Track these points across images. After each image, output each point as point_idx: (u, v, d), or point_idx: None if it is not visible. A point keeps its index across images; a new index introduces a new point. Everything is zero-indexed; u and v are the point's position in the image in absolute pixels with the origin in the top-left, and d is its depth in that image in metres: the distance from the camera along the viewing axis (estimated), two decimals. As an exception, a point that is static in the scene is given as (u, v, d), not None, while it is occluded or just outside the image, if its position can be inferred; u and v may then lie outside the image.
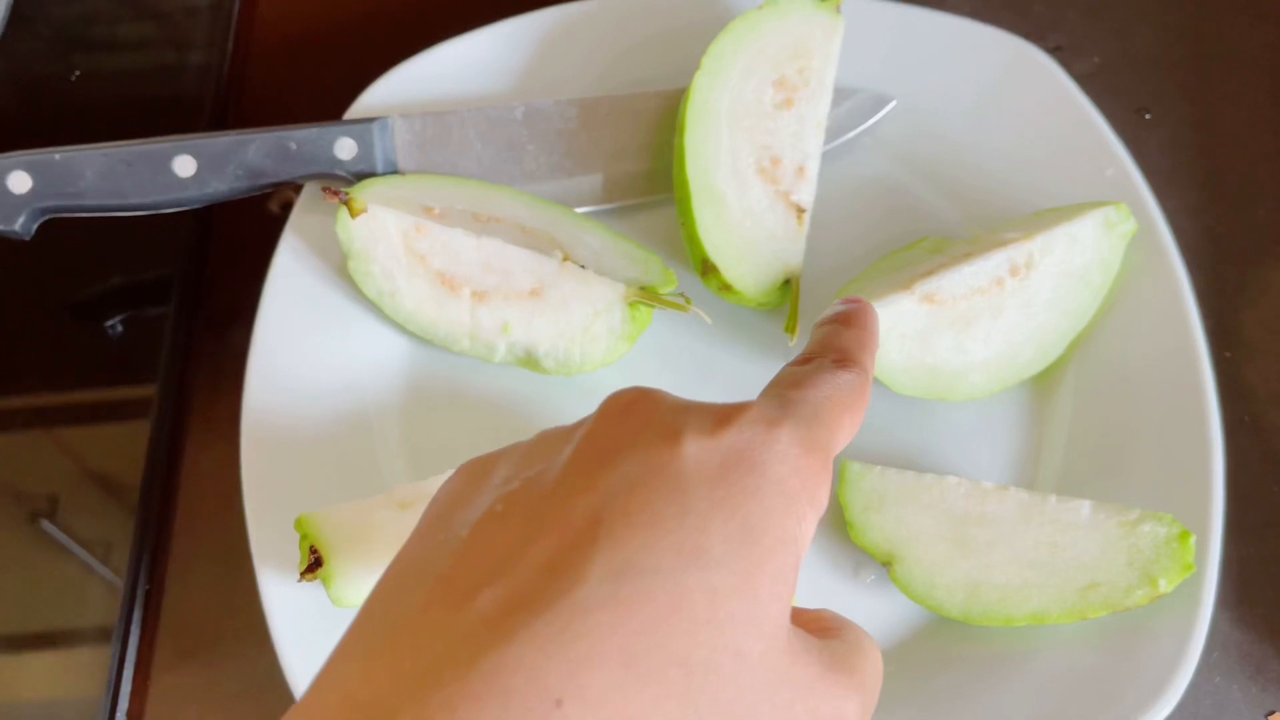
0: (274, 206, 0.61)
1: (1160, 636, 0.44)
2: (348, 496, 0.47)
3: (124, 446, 0.56)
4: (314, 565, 0.44)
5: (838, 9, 0.54)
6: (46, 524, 0.54)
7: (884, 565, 0.47)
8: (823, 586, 0.49)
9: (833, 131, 0.56)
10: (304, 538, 0.45)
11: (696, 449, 0.29)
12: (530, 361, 0.52)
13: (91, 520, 0.54)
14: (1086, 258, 0.50)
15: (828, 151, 0.55)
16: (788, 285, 0.52)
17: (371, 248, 0.52)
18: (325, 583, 0.45)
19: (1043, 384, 0.52)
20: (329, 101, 0.58)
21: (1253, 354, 0.55)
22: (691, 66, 0.53)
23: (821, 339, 0.38)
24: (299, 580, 0.45)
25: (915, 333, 0.49)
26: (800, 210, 0.53)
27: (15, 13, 0.69)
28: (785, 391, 0.33)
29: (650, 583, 0.26)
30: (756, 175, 0.53)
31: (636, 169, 0.56)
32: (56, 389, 0.58)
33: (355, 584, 0.45)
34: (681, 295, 0.51)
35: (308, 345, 0.53)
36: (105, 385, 0.58)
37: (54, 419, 0.57)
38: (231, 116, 0.66)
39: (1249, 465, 0.52)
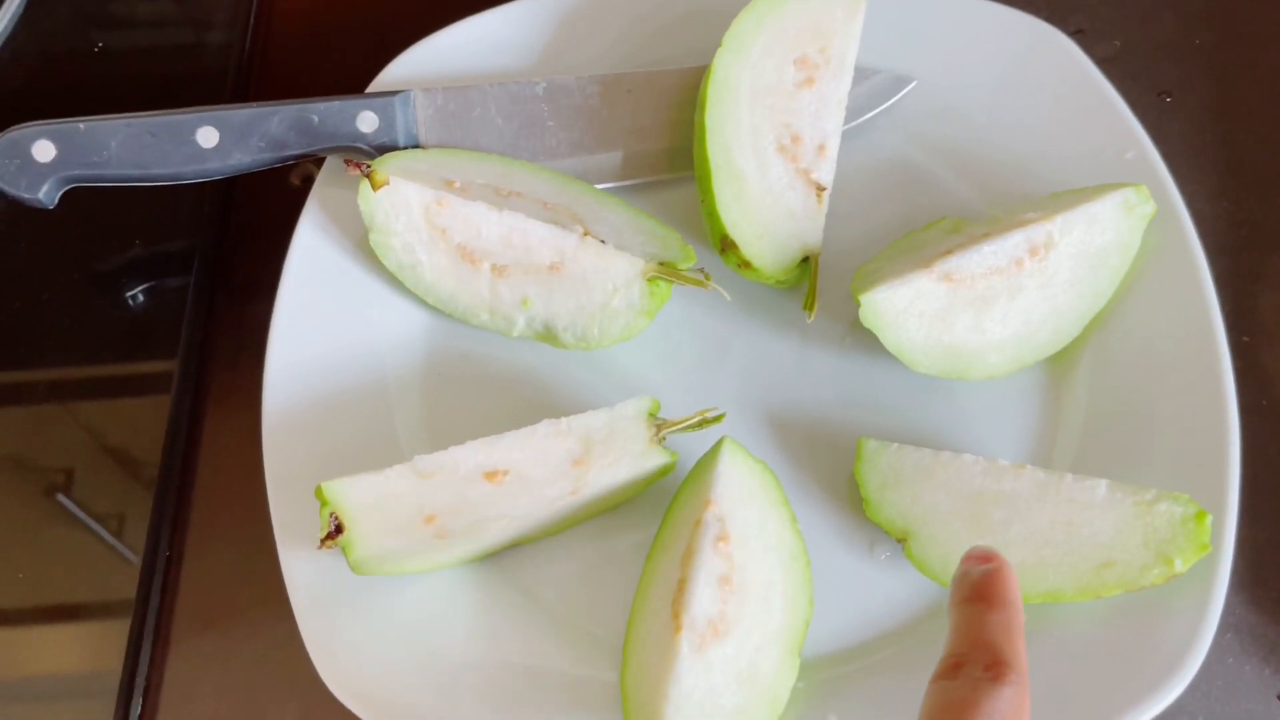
0: (295, 180, 0.62)
1: (1174, 616, 0.44)
2: (367, 467, 0.47)
3: (143, 421, 0.56)
4: (334, 533, 0.45)
5: (860, -12, 0.54)
6: (62, 498, 0.55)
7: (899, 542, 0.47)
8: (837, 563, 0.49)
9: (853, 111, 0.56)
10: (324, 505, 0.45)
11: None
12: (549, 336, 0.52)
13: (107, 495, 0.55)
14: (1105, 239, 0.50)
15: (847, 131, 0.56)
16: (806, 263, 0.53)
17: (393, 221, 0.52)
18: (345, 550, 0.45)
19: (1060, 364, 0.52)
20: (350, 79, 0.58)
21: (1271, 338, 0.55)
22: (713, 44, 0.53)
23: (967, 632, 0.35)
24: (319, 548, 0.45)
25: (934, 312, 0.49)
26: (820, 189, 0.53)
27: (38, -13, 0.69)
28: None
29: None
30: (777, 153, 0.53)
31: (657, 146, 0.56)
32: (77, 361, 0.58)
33: (375, 552, 0.45)
34: (701, 271, 0.51)
35: (329, 317, 0.53)
36: (126, 358, 0.58)
37: (73, 392, 0.58)
38: (252, 94, 0.67)
39: (1265, 449, 0.52)
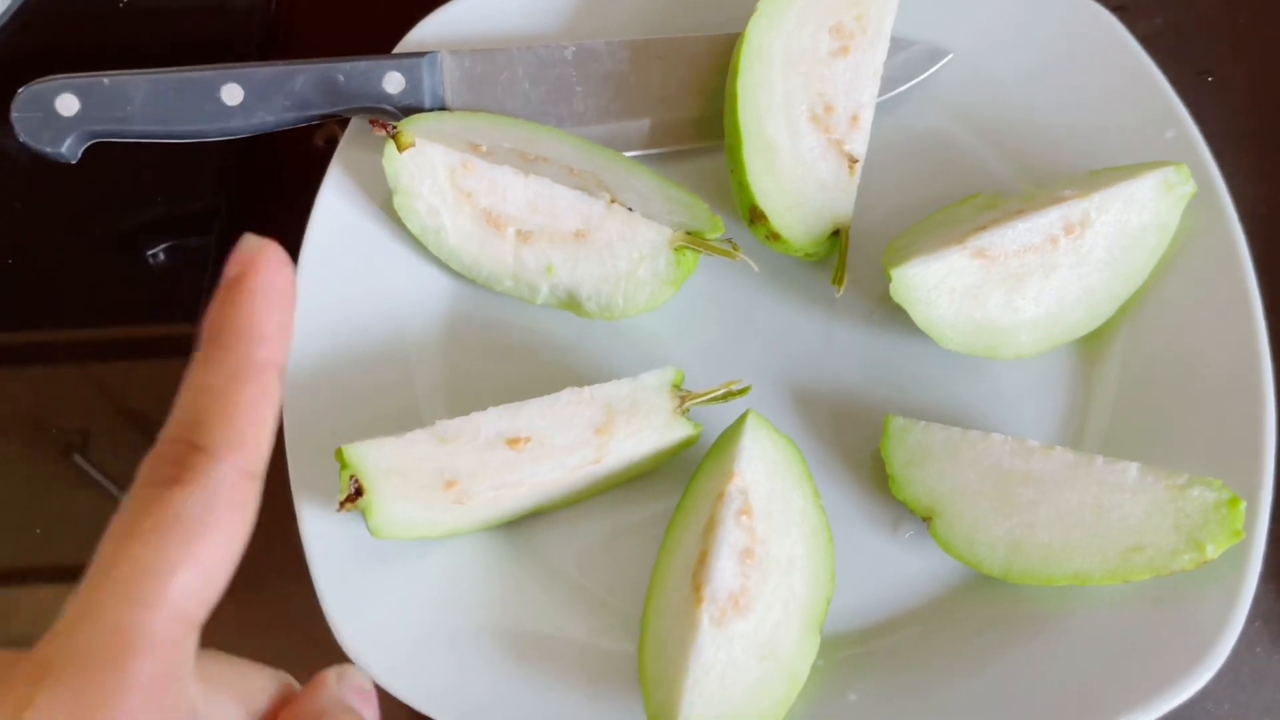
0: (319, 141, 0.61)
1: (1203, 603, 0.44)
2: (386, 432, 0.47)
3: (160, 382, 0.56)
4: (354, 496, 0.44)
5: (898, -44, 0.53)
6: (78, 458, 0.55)
7: (924, 520, 0.47)
8: (860, 540, 0.48)
9: (888, 82, 0.54)
10: (344, 468, 0.45)
11: None
12: (573, 304, 0.52)
13: (123, 455, 0.55)
14: (1143, 218, 0.49)
15: (881, 103, 0.54)
16: (836, 236, 0.52)
17: (418, 183, 0.51)
18: (365, 514, 0.45)
19: (1093, 345, 0.51)
20: (376, 40, 0.57)
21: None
22: (746, 10, 0.52)
23: (180, 396, 0.24)
24: (338, 510, 0.45)
25: (966, 288, 0.49)
26: (852, 160, 0.52)
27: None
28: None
29: None
30: (809, 123, 0.52)
31: (686, 114, 0.55)
32: (96, 322, 0.58)
33: (395, 515, 0.45)
34: (729, 241, 0.50)
35: (351, 280, 0.53)
36: (146, 317, 0.58)
37: (91, 353, 0.57)
38: (278, 53, 0.66)
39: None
